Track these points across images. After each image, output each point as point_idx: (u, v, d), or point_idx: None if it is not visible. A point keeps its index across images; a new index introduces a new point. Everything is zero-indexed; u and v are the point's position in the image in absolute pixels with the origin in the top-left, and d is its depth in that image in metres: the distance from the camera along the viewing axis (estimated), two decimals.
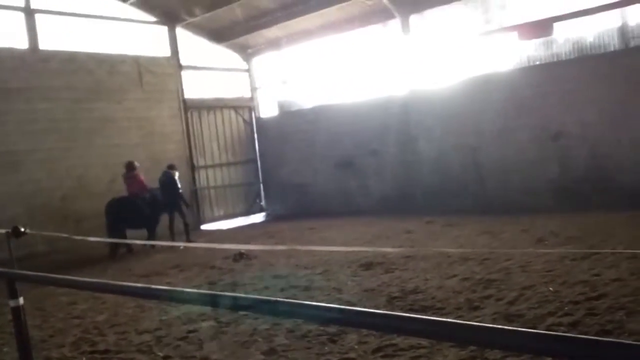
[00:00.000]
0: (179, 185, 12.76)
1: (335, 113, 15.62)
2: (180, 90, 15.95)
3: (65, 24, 13.92)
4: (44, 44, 13.29)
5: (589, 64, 11.54)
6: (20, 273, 3.95)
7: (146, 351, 5.47)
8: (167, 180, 12.62)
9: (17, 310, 3.70)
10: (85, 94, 13.77)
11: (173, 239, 12.36)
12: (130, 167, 12.43)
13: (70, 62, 13.63)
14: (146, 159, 14.56)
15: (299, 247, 9.51)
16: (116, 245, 11.45)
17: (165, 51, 15.78)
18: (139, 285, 3.18)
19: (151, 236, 12.33)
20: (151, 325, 6.32)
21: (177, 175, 12.87)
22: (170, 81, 15.67)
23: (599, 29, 11.78)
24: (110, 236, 11.49)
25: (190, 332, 5.90)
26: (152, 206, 12.34)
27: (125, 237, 11.67)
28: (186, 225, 12.62)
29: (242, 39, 17.04)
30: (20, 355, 3.78)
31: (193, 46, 16.53)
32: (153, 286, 2.98)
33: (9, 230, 5.90)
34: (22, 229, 5.90)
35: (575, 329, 4.79)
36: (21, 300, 3.72)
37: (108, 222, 11.95)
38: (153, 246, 11.92)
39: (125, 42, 14.88)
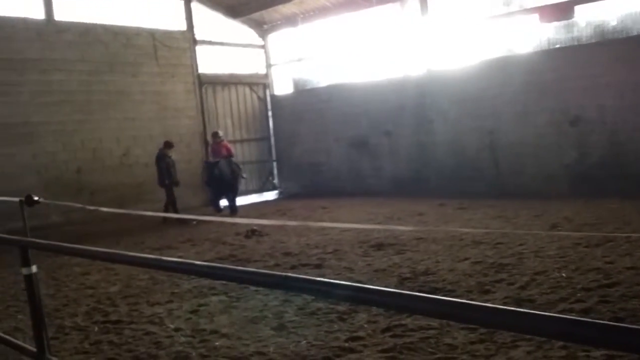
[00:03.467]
0: (163, 164, 12.58)
1: (350, 92, 15.49)
2: (194, 65, 15.87)
3: None
4: (60, 15, 13.23)
5: (610, 48, 11.30)
6: (33, 241, 3.96)
7: (157, 323, 5.51)
8: (156, 157, 12.76)
9: (29, 278, 3.72)
10: (100, 66, 13.74)
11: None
12: (216, 135, 13.74)
13: (86, 34, 13.57)
14: (160, 133, 14.55)
15: (310, 224, 9.50)
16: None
17: (180, 25, 15.66)
18: (151, 256, 3.17)
19: (232, 200, 13.33)
20: (163, 297, 6.37)
21: (172, 153, 12.83)
22: (185, 56, 15.58)
23: (621, 13, 11.52)
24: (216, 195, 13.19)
25: (201, 305, 5.93)
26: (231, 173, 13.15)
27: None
28: (170, 205, 12.60)
29: (257, 15, 16.88)
30: (34, 323, 3.81)
31: (208, 21, 16.39)
32: (165, 258, 2.97)
33: (22, 198, 5.91)
34: (36, 198, 5.91)
35: (587, 315, 4.74)
36: (34, 269, 3.73)
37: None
38: (234, 210, 13.21)
39: (141, 16, 14.79)
